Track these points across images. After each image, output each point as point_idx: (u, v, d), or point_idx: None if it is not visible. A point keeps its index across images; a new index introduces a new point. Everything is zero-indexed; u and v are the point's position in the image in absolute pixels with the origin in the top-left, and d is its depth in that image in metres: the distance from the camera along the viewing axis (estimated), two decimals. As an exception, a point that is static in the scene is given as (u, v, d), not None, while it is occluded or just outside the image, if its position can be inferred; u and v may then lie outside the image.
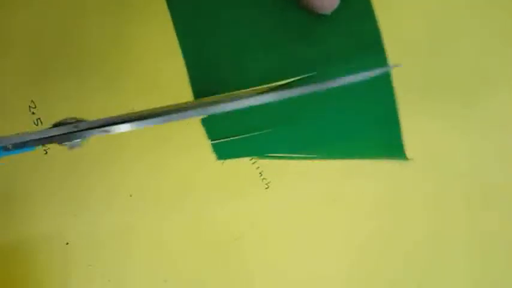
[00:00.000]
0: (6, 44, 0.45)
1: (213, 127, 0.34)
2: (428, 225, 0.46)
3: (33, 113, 0.44)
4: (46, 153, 0.45)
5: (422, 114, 0.45)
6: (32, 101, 0.44)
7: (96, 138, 0.45)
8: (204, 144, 0.45)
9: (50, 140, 0.29)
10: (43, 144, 0.29)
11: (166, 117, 0.30)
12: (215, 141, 0.35)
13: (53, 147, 0.45)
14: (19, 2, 0.45)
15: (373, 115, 0.36)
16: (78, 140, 0.29)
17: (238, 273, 0.45)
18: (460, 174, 0.46)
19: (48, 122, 0.40)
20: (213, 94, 0.32)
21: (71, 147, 0.30)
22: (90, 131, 0.29)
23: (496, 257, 0.46)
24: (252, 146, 0.36)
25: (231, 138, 0.35)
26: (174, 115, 0.30)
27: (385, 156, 0.39)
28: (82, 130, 0.29)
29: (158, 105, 0.45)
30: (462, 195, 0.45)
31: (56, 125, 0.29)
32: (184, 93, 0.45)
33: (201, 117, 0.35)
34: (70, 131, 0.29)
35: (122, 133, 0.45)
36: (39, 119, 0.44)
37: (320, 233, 0.46)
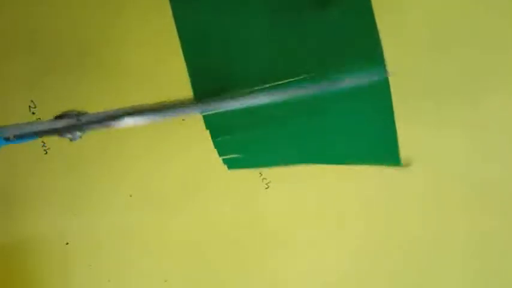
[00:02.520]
0: (6, 44, 0.45)
1: (221, 140, 0.34)
2: (426, 225, 0.45)
3: (33, 113, 0.44)
4: (46, 153, 0.45)
5: (421, 115, 0.45)
6: (32, 101, 0.44)
7: (96, 138, 0.45)
8: (203, 145, 0.45)
9: (52, 132, 0.29)
10: (45, 136, 0.29)
11: (167, 113, 0.30)
12: (224, 157, 0.35)
13: (53, 147, 0.45)
14: (19, 2, 0.45)
15: (370, 122, 0.36)
16: (79, 133, 0.29)
17: (238, 273, 0.45)
18: (458, 175, 0.45)
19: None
20: (213, 91, 0.32)
21: (73, 139, 0.30)
22: (92, 125, 0.29)
23: (494, 258, 0.46)
24: (256, 157, 0.36)
25: (236, 155, 0.35)
26: (176, 110, 0.30)
27: (380, 162, 0.39)
28: (84, 124, 0.29)
29: (160, 101, 0.45)
30: (460, 196, 0.45)
31: (58, 117, 0.29)
32: (184, 88, 0.45)
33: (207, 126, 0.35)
34: (73, 124, 0.29)
35: (122, 133, 0.45)
36: (39, 119, 0.44)
37: (320, 233, 0.46)
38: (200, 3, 0.34)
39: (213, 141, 0.34)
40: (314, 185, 0.45)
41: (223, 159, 0.34)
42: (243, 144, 0.35)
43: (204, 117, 0.34)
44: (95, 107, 0.45)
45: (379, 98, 0.33)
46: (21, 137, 0.28)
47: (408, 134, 0.45)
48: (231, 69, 0.33)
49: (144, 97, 0.46)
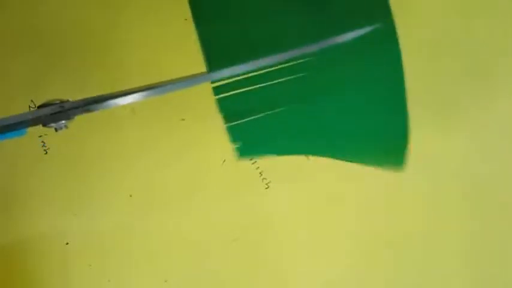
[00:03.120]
0: (6, 44, 0.45)
1: (236, 126, 0.34)
2: (426, 223, 0.46)
3: (33, 113, 0.44)
4: (46, 153, 0.45)
5: (421, 115, 0.45)
6: (32, 100, 0.44)
7: (96, 138, 0.45)
8: (204, 145, 0.45)
9: (36, 121, 0.29)
10: (30, 126, 0.29)
11: (149, 92, 0.30)
12: (237, 143, 0.35)
13: (53, 148, 0.45)
14: (20, 3, 0.45)
15: (384, 124, 0.35)
16: (63, 122, 0.29)
17: (238, 273, 0.45)
18: (458, 175, 0.46)
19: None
20: (225, 59, 0.32)
21: (58, 128, 0.29)
22: (75, 110, 0.29)
23: (492, 257, 0.46)
24: (269, 144, 0.36)
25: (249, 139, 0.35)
26: (159, 88, 0.30)
27: (385, 163, 0.39)
28: (67, 110, 0.29)
29: (160, 102, 0.45)
30: (458, 195, 0.45)
31: (40, 106, 0.29)
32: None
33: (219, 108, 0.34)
34: (55, 111, 0.29)
35: (122, 133, 0.46)
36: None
37: (319, 233, 0.46)
38: None
39: (225, 125, 0.34)
40: (314, 185, 0.45)
41: (235, 147, 0.34)
42: (254, 130, 0.35)
43: (219, 101, 0.34)
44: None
45: (395, 105, 0.33)
46: (6, 130, 0.28)
47: (413, 135, 0.45)
48: (242, 37, 0.33)
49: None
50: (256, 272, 0.46)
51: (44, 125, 0.29)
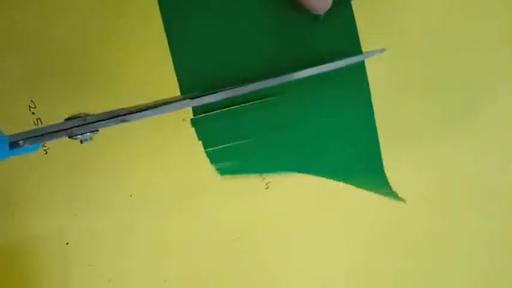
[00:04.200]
0: (6, 44, 0.45)
1: (215, 151, 0.35)
2: (428, 225, 0.46)
3: (33, 113, 0.44)
4: (46, 153, 0.45)
5: (423, 115, 0.45)
6: (31, 101, 0.44)
7: (95, 138, 0.45)
8: (204, 144, 0.45)
9: (61, 134, 0.29)
10: (55, 138, 0.29)
11: (172, 106, 0.30)
12: (216, 164, 0.36)
13: (53, 147, 0.45)
14: (19, 3, 0.45)
15: (355, 152, 0.36)
16: (88, 133, 0.30)
17: (238, 273, 0.45)
18: (461, 175, 0.46)
19: (48, 122, 0.39)
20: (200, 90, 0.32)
21: (83, 140, 0.30)
22: (101, 123, 0.30)
23: (498, 257, 0.46)
24: (249, 163, 0.37)
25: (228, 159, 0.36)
26: (162, 108, 0.30)
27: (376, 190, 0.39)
28: (92, 122, 0.29)
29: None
30: (463, 196, 0.45)
31: (67, 120, 0.30)
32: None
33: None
34: (80, 123, 0.29)
35: (122, 134, 0.46)
36: (39, 119, 0.44)
37: (320, 233, 0.46)
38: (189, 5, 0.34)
39: (204, 150, 0.35)
40: (314, 185, 0.45)
41: (216, 168, 0.35)
42: (233, 151, 0.35)
43: (195, 128, 0.35)
44: (96, 105, 0.45)
45: (364, 128, 0.34)
46: (30, 142, 0.28)
47: (409, 135, 0.45)
48: (219, 67, 0.33)
49: (145, 98, 0.46)
50: (256, 272, 0.46)
51: (70, 137, 0.29)
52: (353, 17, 0.31)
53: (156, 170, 0.45)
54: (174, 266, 0.45)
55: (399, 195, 0.44)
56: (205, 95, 0.31)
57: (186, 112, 0.45)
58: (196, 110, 0.33)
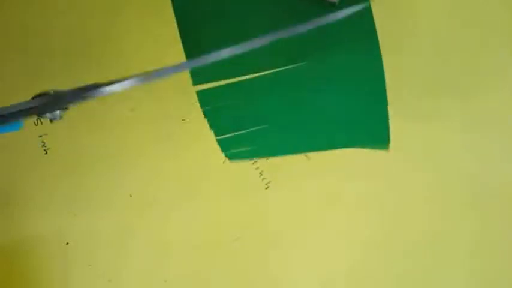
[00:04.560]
0: (6, 44, 0.45)
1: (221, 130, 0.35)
2: (428, 223, 0.45)
3: (33, 113, 0.44)
4: (46, 153, 0.45)
5: (423, 113, 0.45)
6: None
7: (96, 138, 0.46)
8: (204, 145, 0.45)
9: (30, 111, 0.28)
10: (24, 117, 0.28)
11: (142, 78, 0.29)
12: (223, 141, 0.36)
13: (53, 147, 0.45)
14: (19, 3, 0.45)
15: (363, 101, 0.36)
16: (58, 112, 0.29)
17: (238, 273, 0.45)
18: (462, 173, 0.45)
19: (48, 122, 0.40)
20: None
21: (52, 119, 0.29)
22: (69, 98, 0.29)
23: (499, 255, 0.46)
24: (256, 146, 0.37)
25: (235, 134, 0.36)
26: (152, 75, 0.29)
27: (369, 143, 0.40)
28: (61, 98, 0.29)
29: (160, 102, 0.45)
30: (462, 192, 0.45)
31: (35, 97, 0.29)
32: (186, 85, 0.45)
33: (203, 109, 0.35)
34: (49, 100, 0.29)
35: (122, 134, 0.46)
36: (39, 118, 0.44)
37: (320, 233, 0.46)
38: None
39: (216, 138, 0.35)
40: (314, 185, 0.45)
41: (226, 154, 0.35)
42: (244, 137, 0.36)
43: (204, 112, 0.35)
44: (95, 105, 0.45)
45: (372, 78, 0.35)
46: (0, 122, 0.28)
47: (409, 133, 0.45)
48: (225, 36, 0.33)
49: (144, 95, 0.46)
50: (256, 272, 0.46)
51: (39, 116, 0.29)
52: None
53: (156, 171, 0.45)
54: (174, 266, 0.45)
55: (399, 196, 0.45)
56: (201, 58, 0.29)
57: (186, 112, 0.45)
58: (203, 101, 0.32)
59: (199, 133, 0.45)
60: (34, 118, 0.29)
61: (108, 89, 0.28)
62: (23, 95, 0.44)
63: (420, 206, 0.45)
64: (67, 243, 0.45)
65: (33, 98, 0.29)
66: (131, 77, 0.29)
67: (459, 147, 0.45)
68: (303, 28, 0.29)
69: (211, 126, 0.35)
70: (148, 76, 0.29)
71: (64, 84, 0.44)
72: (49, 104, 0.28)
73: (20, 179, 0.45)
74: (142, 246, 0.45)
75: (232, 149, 0.36)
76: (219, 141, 0.35)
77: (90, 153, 0.45)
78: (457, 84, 0.46)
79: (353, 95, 0.36)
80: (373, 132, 0.38)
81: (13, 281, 0.45)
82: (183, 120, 0.45)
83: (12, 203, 0.45)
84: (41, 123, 0.45)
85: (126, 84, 0.29)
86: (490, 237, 0.45)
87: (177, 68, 0.29)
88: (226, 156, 0.35)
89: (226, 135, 0.35)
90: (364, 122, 0.37)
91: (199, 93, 0.34)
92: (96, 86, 0.29)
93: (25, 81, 0.45)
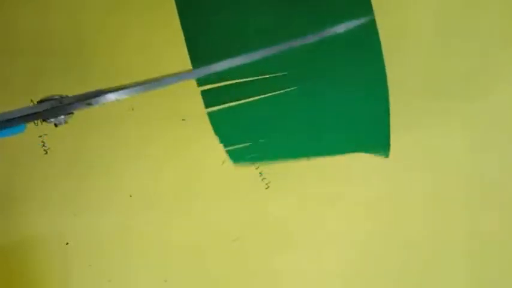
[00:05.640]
0: (6, 44, 0.45)
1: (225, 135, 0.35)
2: (427, 224, 0.46)
3: (33, 113, 0.44)
4: (46, 153, 0.45)
5: (423, 113, 0.45)
6: (31, 100, 0.44)
7: (95, 138, 0.45)
8: (204, 145, 0.45)
9: (35, 116, 0.29)
10: (29, 121, 0.28)
11: (148, 85, 0.30)
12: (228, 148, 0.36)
13: (53, 147, 0.45)
14: (18, 3, 0.45)
15: (365, 105, 0.36)
16: (62, 117, 0.29)
17: (238, 273, 0.45)
18: (460, 173, 0.45)
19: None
20: (210, 58, 0.32)
21: (57, 124, 0.29)
22: (74, 104, 0.29)
23: (495, 256, 0.46)
24: (258, 152, 0.37)
25: (240, 146, 0.36)
26: (157, 83, 0.30)
27: (370, 150, 0.40)
28: (66, 104, 0.29)
29: (160, 102, 0.45)
30: (461, 194, 0.45)
31: (40, 102, 0.29)
32: (186, 84, 0.45)
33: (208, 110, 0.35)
34: (54, 106, 0.29)
35: (122, 134, 0.46)
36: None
37: (320, 233, 0.46)
38: None
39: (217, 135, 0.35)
40: (314, 185, 0.45)
41: (228, 152, 0.35)
42: (247, 136, 0.36)
43: (208, 113, 0.35)
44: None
45: (375, 86, 0.34)
46: (4, 126, 0.28)
47: (409, 133, 0.45)
48: (228, 33, 0.33)
49: (144, 95, 0.46)
50: (256, 272, 0.46)
51: (44, 120, 0.29)
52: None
53: (156, 171, 0.45)
54: (174, 266, 0.45)
55: (399, 196, 0.45)
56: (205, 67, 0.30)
57: (186, 112, 0.45)
58: (207, 101, 0.33)
59: (199, 133, 0.45)
60: (39, 125, 0.29)
61: (113, 95, 0.29)
62: (23, 95, 0.44)
63: (420, 208, 0.45)
64: (67, 243, 0.45)
65: (39, 102, 0.29)
66: (137, 84, 0.29)
67: (459, 149, 0.45)
68: (305, 40, 0.30)
69: (215, 128, 0.35)
70: (153, 83, 0.29)
71: (64, 84, 0.44)
72: (54, 109, 0.29)
73: (20, 179, 0.45)
74: (142, 246, 0.45)
75: (235, 153, 0.36)
76: (225, 148, 0.35)
77: (90, 153, 0.45)
78: (457, 85, 0.46)
79: (356, 102, 0.36)
80: (375, 140, 0.38)
81: (13, 281, 0.45)
82: (183, 120, 0.45)
83: (12, 203, 0.45)
84: (41, 123, 0.45)
85: (131, 91, 0.29)
86: (488, 240, 0.45)
87: (183, 76, 0.30)
88: (231, 160, 0.35)
89: (231, 140, 0.36)
90: (366, 130, 0.37)
91: (203, 93, 0.34)
92: (102, 93, 0.29)
93: (25, 82, 0.45)
